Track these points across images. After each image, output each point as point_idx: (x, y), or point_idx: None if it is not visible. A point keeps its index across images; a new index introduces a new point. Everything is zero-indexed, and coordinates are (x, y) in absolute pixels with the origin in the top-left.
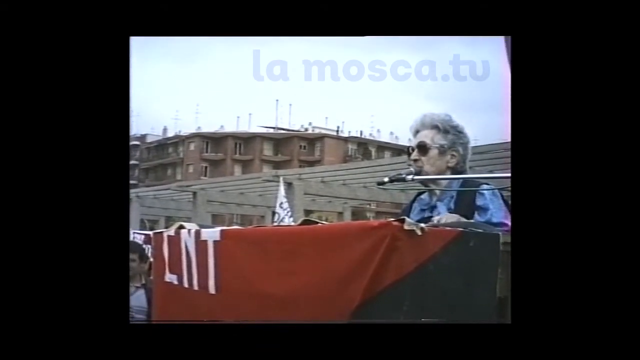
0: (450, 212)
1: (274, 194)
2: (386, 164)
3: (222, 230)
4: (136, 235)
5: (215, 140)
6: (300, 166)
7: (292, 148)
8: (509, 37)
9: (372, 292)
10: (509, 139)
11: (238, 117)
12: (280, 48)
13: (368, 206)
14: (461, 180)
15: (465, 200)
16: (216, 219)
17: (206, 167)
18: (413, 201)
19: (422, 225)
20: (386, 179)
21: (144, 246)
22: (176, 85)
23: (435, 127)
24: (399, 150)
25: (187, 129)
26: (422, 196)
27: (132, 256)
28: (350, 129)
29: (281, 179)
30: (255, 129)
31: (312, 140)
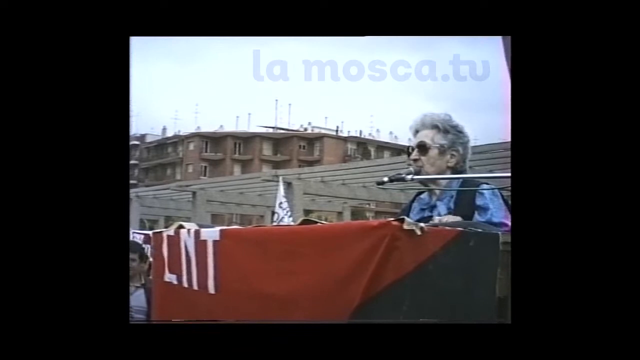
0: (450, 212)
1: (273, 194)
2: (386, 164)
3: (221, 230)
4: (136, 235)
5: (214, 140)
6: (299, 166)
7: (292, 148)
8: (508, 37)
9: (371, 292)
10: (509, 139)
11: (237, 117)
12: (280, 48)
13: (367, 206)
14: (461, 180)
15: (465, 200)
16: (216, 219)
17: (205, 167)
18: (413, 201)
19: (422, 225)
20: (386, 179)
21: (143, 246)
22: (176, 85)
23: (435, 126)
24: (398, 150)
25: (186, 129)
26: (422, 196)
27: (131, 256)
28: (349, 129)
29: (280, 178)
30: (254, 128)
31: (311, 140)
